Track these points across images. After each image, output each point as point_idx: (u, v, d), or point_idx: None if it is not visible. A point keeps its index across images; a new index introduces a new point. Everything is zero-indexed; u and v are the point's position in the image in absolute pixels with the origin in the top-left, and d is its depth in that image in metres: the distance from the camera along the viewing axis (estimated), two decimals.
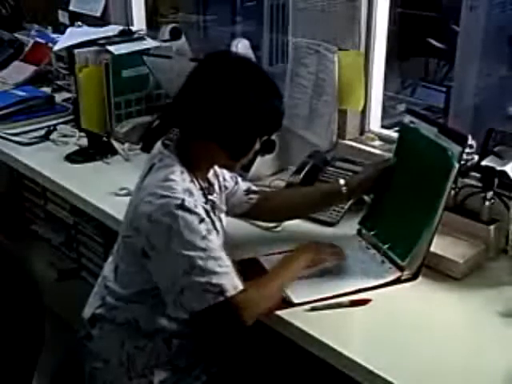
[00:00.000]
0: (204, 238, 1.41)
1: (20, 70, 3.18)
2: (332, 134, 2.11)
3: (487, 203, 1.71)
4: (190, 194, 1.46)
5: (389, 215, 1.75)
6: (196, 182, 1.53)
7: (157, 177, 1.49)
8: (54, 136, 2.57)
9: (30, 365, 1.51)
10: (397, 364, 1.34)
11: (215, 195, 1.64)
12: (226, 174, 1.73)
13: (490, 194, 1.71)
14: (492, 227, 1.70)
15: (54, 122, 2.68)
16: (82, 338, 1.62)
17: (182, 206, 1.41)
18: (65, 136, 2.57)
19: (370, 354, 1.38)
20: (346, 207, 1.91)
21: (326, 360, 1.43)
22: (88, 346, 1.61)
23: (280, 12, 4.71)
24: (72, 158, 2.38)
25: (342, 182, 1.76)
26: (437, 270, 1.65)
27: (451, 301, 1.56)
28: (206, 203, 1.52)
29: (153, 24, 3.49)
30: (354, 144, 2.13)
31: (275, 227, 1.88)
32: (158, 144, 1.58)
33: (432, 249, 1.67)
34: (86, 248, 2.51)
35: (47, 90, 3.02)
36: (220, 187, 1.69)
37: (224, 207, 1.70)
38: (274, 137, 2.19)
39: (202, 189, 1.55)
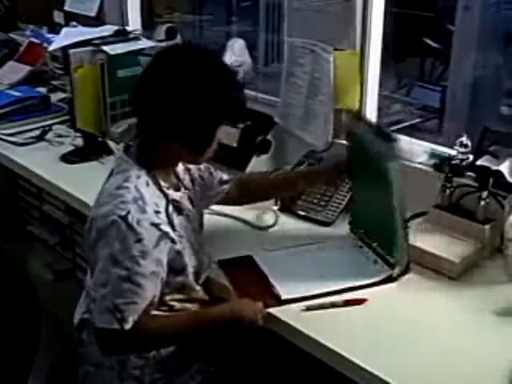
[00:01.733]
0: (132, 258, 1.38)
1: (15, 70, 3.17)
2: (328, 134, 2.11)
3: (482, 203, 1.71)
4: (143, 201, 1.42)
5: (366, 215, 1.79)
6: (156, 184, 1.49)
7: (112, 183, 1.48)
8: (49, 136, 2.57)
9: (26, 365, 1.51)
10: (394, 364, 1.34)
11: (182, 191, 1.59)
12: (197, 171, 1.70)
13: (485, 194, 1.71)
14: (487, 226, 1.70)
15: (50, 122, 2.68)
16: (74, 343, 1.62)
17: (125, 219, 1.38)
18: (60, 136, 2.57)
19: (366, 353, 1.38)
20: (342, 207, 1.91)
21: (321, 360, 1.43)
22: (79, 350, 1.61)
23: (276, 12, 4.71)
24: (67, 158, 2.38)
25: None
26: (432, 270, 1.66)
27: (447, 300, 1.56)
28: (167, 206, 1.49)
29: (148, 24, 3.48)
30: None
31: (270, 227, 1.88)
32: (121, 148, 1.58)
33: (428, 248, 1.68)
34: (82, 248, 2.50)
35: (42, 90, 3.01)
36: (193, 180, 1.66)
37: (199, 202, 1.66)
38: (269, 137, 2.20)
39: (161, 190, 1.50)
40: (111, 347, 1.45)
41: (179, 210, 1.55)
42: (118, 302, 1.38)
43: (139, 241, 1.39)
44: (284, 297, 1.54)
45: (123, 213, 1.39)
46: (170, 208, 1.51)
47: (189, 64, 1.47)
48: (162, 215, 1.47)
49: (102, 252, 1.41)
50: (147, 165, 1.49)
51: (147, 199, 1.44)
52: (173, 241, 1.47)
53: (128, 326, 1.38)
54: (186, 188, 1.62)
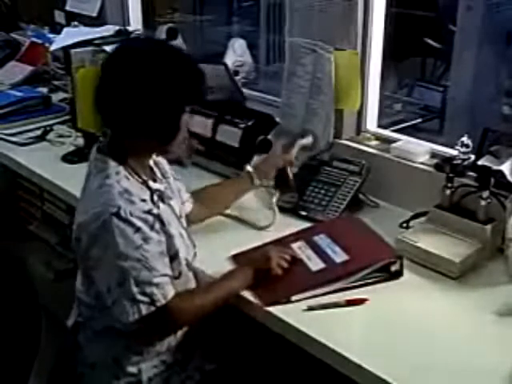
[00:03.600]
0: (138, 247, 1.41)
1: (16, 70, 3.18)
2: (329, 134, 2.10)
3: (483, 203, 1.71)
4: (129, 194, 1.44)
5: None
6: (135, 177, 1.51)
7: (93, 185, 1.48)
8: (50, 136, 2.57)
9: (27, 365, 1.51)
10: (394, 364, 1.34)
11: (159, 183, 1.61)
12: (165, 165, 1.71)
13: (486, 194, 1.71)
14: (488, 227, 1.70)
15: (51, 122, 2.68)
16: (70, 346, 1.62)
17: (118, 215, 1.40)
18: (61, 136, 2.57)
19: (366, 353, 1.38)
20: (343, 207, 1.91)
21: (322, 359, 1.43)
22: (75, 352, 1.61)
23: (277, 12, 4.71)
24: (68, 158, 2.38)
25: (249, 168, 1.87)
26: (433, 270, 1.66)
27: (448, 300, 1.56)
28: (151, 196, 1.51)
29: (149, 24, 3.48)
30: (350, 144, 2.13)
31: (267, 226, 1.88)
32: (93, 151, 1.57)
33: (429, 248, 1.68)
34: None
35: (44, 90, 3.02)
36: (163, 174, 1.67)
37: (176, 194, 1.68)
38: (270, 136, 2.20)
39: (143, 182, 1.52)
40: (153, 330, 1.47)
41: (162, 199, 1.57)
42: (143, 289, 1.40)
43: (138, 230, 1.41)
44: (293, 298, 1.54)
45: (114, 209, 1.40)
46: (155, 197, 1.53)
47: (137, 59, 1.47)
48: (149, 203, 1.49)
49: (105, 253, 1.42)
50: (123, 160, 1.50)
51: (132, 191, 1.46)
52: (163, 224, 1.49)
53: (162, 303, 1.42)
54: (160, 179, 1.64)
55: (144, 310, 1.41)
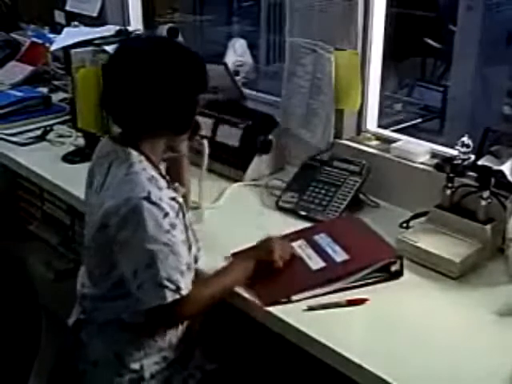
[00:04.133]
0: (167, 232, 1.43)
1: (17, 70, 3.18)
2: (329, 134, 2.10)
3: (484, 203, 1.71)
4: (155, 180, 1.47)
5: None
6: (155, 168, 1.54)
7: (118, 173, 1.49)
8: (50, 136, 2.57)
9: (27, 365, 1.51)
10: (394, 364, 1.34)
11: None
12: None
13: (486, 194, 1.71)
14: (489, 226, 1.70)
15: (51, 122, 2.68)
16: (71, 345, 1.62)
17: (148, 199, 1.42)
18: (61, 136, 2.57)
19: (367, 353, 1.38)
20: (343, 207, 1.91)
21: (322, 359, 1.43)
22: (77, 350, 1.61)
23: (277, 12, 4.71)
24: (69, 158, 2.38)
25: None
26: (434, 270, 1.66)
27: (448, 300, 1.56)
28: (168, 185, 1.54)
29: (150, 24, 3.48)
30: (350, 144, 2.13)
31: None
32: (106, 141, 1.59)
33: (429, 248, 1.68)
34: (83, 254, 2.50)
35: (44, 90, 3.02)
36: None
37: (181, 188, 1.70)
38: (270, 136, 2.20)
39: (160, 173, 1.55)
40: (174, 319, 1.51)
41: (175, 190, 1.59)
42: (170, 276, 1.42)
43: (166, 215, 1.43)
44: (294, 298, 1.54)
45: (144, 194, 1.42)
46: (171, 188, 1.56)
47: (142, 56, 1.50)
48: (172, 191, 1.53)
49: (134, 236, 1.42)
50: (141, 152, 1.52)
51: (158, 178, 1.49)
52: (184, 214, 1.53)
53: (184, 292, 1.43)
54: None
55: (169, 296, 1.42)
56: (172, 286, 1.42)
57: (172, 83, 1.49)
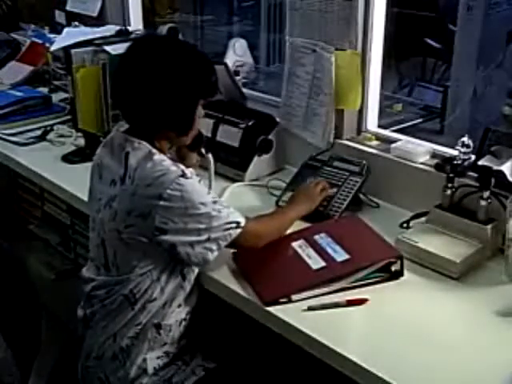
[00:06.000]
0: (209, 193, 1.57)
1: (17, 70, 3.18)
2: (329, 134, 2.10)
3: (484, 203, 1.71)
4: (177, 164, 1.55)
5: None
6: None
7: (142, 162, 1.53)
8: (50, 136, 2.57)
9: (27, 365, 1.51)
10: (394, 364, 1.34)
11: None
12: None
13: (486, 194, 1.71)
14: (489, 227, 1.70)
15: (51, 122, 2.68)
16: (77, 339, 1.63)
17: (184, 175, 1.51)
18: (62, 136, 2.57)
19: (367, 353, 1.38)
20: (344, 206, 1.91)
21: (322, 359, 1.43)
22: (80, 347, 1.62)
23: (277, 12, 4.72)
24: (69, 158, 2.38)
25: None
26: (434, 270, 1.66)
27: (448, 300, 1.56)
28: None
29: (150, 24, 3.49)
30: (351, 144, 2.13)
31: None
32: (117, 134, 1.62)
33: (429, 248, 1.68)
34: (83, 248, 2.50)
35: (44, 90, 3.02)
36: None
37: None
38: (270, 137, 2.20)
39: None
40: (244, 245, 1.62)
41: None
42: (228, 219, 1.55)
43: (199, 181, 1.57)
44: (294, 298, 1.54)
45: (179, 172, 1.52)
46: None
47: (152, 54, 1.56)
48: None
49: (186, 209, 1.50)
50: (153, 145, 1.58)
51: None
52: None
53: (244, 223, 1.58)
54: None
55: (234, 234, 1.56)
56: (233, 225, 1.55)
57: (177, 82, 1.52)
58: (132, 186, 1.52)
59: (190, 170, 1.57)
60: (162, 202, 1.49)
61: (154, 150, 1.56)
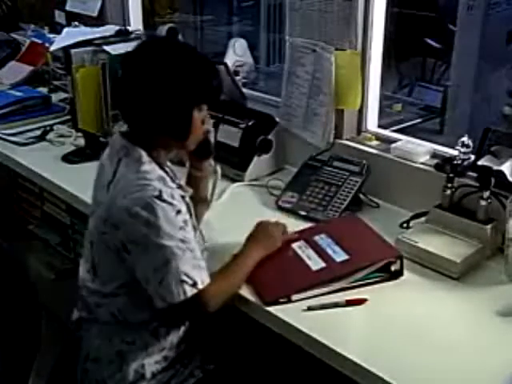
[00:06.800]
0: (181, 228, 1.45)
1: (16, 70, 3.17)
2: (329, 134, 2.10)
3: (484, 203, 1.71)
4: (164, 181, 1.49)
5: None
6: (162, 169, 1.55)
7: (128, 172, 1.50)
8: (50, 136, 2.57)
9: (27, 365, 1.51)
10: (394, 363, 1.34)
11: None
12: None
13: (486, 194, 1.71)
14: (489, 226, 1.70)
15: (51, 122, 2.68)
16: (75, 341, 1.62)
17: (160, 197, 1.43)
18: (61, 136, 2.57)
19: (366, 353, 1.38)
20: (343, 207, 1.91)
21: (322, 359, 1.43)
22: (78, 350, 1.61)
23: (277, 12, 4.71)
24: (69, 158, 2.38)
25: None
26: (434, 270, 1.66)
27: (448, 300, 1.56)
28: (178, 188, 1.56)
29: (150, 24, 3.49)
30: (351, 144, 2.13)
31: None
32: (117, 137, 1.59)
33: (429, 248, 1.68)
34: (83, 248, 2.50)
35: (44, 90, 3.01)
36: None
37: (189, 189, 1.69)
38: (270, 136, 2.20)
39: (167, 173, 1.56)
40: (193, 312, 1.50)
41: (184, 190, 1.60)
42: (188, 271, 1.43)
43: (178, 212, 1.46)
44: (294, 298, 1.54)
45: (156, 193, 1.44)
46: (180, 188, 1.58)
47: (150, 59, 1.52)
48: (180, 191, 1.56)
49: (149, 234, 1.43)
50: (149, 151, 1.54)
51: (167, 178, 1.52)
52: (191, 214, 1.55)
53: (201, 287, 1.45)
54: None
55: (189, 291, 1.43)
56: (190, 281, 1.44)
57: (171, 87, 1.49)
58: (114, 194, 1.49)
59: (189, 191, 1.55)
60: (129, 218, 1.44)
61: (146, 159, 1.50)
